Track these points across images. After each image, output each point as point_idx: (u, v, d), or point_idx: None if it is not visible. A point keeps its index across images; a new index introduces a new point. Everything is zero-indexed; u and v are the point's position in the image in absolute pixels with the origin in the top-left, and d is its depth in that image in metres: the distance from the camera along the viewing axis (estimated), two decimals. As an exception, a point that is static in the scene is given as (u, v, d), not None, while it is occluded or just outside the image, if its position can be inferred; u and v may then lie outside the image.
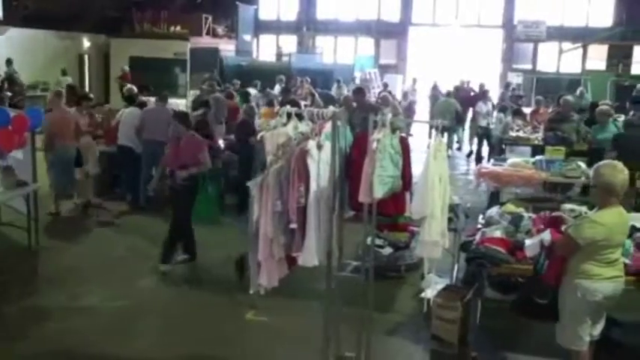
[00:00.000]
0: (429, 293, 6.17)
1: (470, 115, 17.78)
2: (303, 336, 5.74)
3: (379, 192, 4.22)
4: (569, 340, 4.82)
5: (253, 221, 4.41)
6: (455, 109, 16.75)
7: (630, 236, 5.74)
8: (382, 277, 7.19)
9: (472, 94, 18.28)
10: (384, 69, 27.61)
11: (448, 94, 17.86)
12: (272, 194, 4.30)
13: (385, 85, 21.48)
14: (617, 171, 4.58)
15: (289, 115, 4.57)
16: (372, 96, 22.63)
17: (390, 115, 4.42)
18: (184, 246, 7.74)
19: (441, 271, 7.04)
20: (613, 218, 4.57)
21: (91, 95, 13.22)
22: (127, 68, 21.78)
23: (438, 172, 4.17)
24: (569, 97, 11.92)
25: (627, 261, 5.31)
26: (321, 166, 4.32)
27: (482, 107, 16.20)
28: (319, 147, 4.31)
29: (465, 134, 18.08)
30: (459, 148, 18.05)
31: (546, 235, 5.14)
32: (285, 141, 4.47)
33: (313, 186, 4.31)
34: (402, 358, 5.74)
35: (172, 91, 21.34)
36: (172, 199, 7.69)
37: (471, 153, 16.82)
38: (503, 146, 13.90)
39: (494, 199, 9.48)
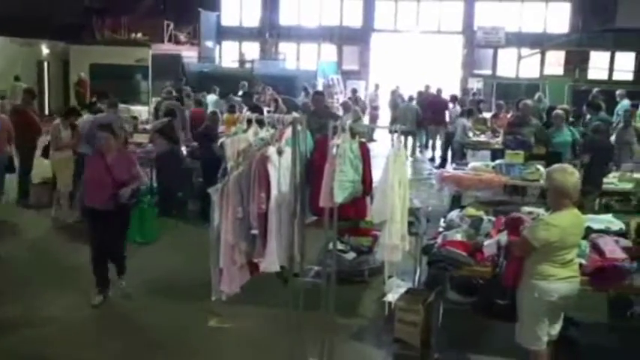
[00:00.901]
0: (392, 297, 6.22)
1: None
2: (266, 342, 5.74)
3: (339, 197, 4.25)
4: (528, 340, 4.90)
5: (214, 228, 4.39)
6: (416, 113, 17.03)
7: (586, 237, 5.88)
8: (346, 281, 7.22)
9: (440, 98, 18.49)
10: (346, 75, 27.72)
11: (410, 99, 18.10)
12: (233, 200, 4.30)
13: (354, 91, 21.60)
14: (568, 174, 4.70)
15: (250, 121, 4.57)
16: (336, 102, 22.82)
17: (349, 121, 4.45)
18: (119, 268, 7.01)
19: (404, 275, 7.11)
20: (567, 220, 4.67)
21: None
22: (83, 75, 21.49)
23: (397, 176, 4.22)
24: (528, 102, 12.17)
25: (583, 261, 5.42)
26: (281, 171, 4.34)
27: (455, 111, 16.45)
28: (280, 153, 4.32)
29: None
30: (421, 151, 18.26)
31: (503, 237, 5.23)
32: (246, 147, 4.48)
33: (274, 192, 4.32)
34: (362, 360, 5.75)
35: (134, 98, 21.17)
36: (103, 221, 6.55)
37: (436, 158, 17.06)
38: (465, 151, 14.11)
39: (455, 202, 9.61)
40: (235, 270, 4.46)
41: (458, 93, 20.99)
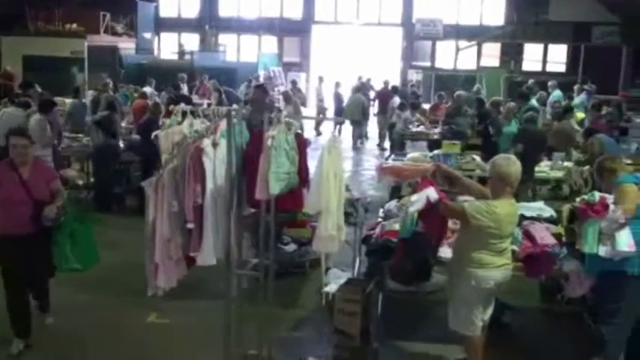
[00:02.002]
0: (331, 288, 6.26)
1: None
2: (205, 336, 5.69)
3: (275, 188, 4.24)
4: (463, 325, 5.02)
5: (149, 222, 4.34)
6: (362, 104, 17.31)
7: (519, 224, 6.04)
8: (286, 273, 7.26)
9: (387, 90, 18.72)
10: (287, 67, 27.64)
11: (357, 90, 18.35)
12: (167, 194, 4.25)
13: (294, 83, 21.57)
14: (511, 163, 4.84)
15: (184, 114, 4.52)
16: (277, 94, 22.75)
17: (285, 112, 4.45)
18: (43, 303, 6.06)
19: (344, 265, 7.16)
20: (505, 208, 4.80)
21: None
22: (9, 68, 20.80)
23: (332, 167, 4.24)
24: (462, 92, 12.44)
25: (516, 248, 5.58)
26: (217, 164, 4.31)
27: (397, 103, 16.64)
28: (215, 145, 4.29)
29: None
30: (362, 142, 18.45)
31: (432, 193, 4.99)
32: (181, 140, 4.43)
33: (210, 185, 4.29)
34: (306, 353, 5.77)
35: (70, 91, 20.62)
36: (23, 250, 5.43)
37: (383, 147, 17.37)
38: (404, 141, 14.31)
39: (395, 193, 9.72)
40: (171, 265, 4.41)
41: (398, 84, 21.29)
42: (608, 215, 4.88)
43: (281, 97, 15.98)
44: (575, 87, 18.33)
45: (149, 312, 6.31)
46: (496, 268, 4.86)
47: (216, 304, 5.55)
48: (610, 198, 5.02)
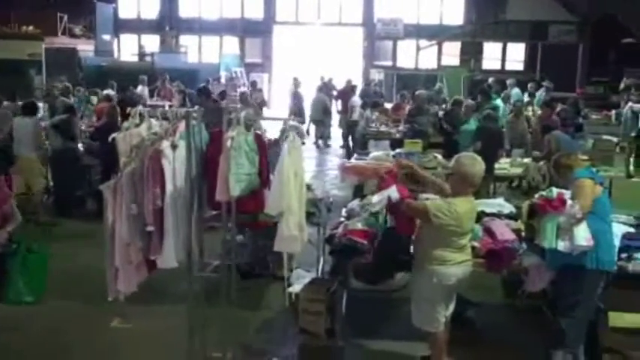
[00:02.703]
0: (296, 288, 6.26)
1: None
2: (169, 339, 5.62)
3: (236, 190, 4.22)
4: (427, 322, 5.07)
5: (108, 226, 4.28)
6: (325, 104, 17.40)
7: (479, 221, 6.12)
8: (251, 274, 7.24)
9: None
10: (250, 67, 27.51)
11: (320, 89, 18.39)
12: (126, 197, 4.19)
13: (254, 84, 21.46)
14: (476, 162, 4.90)
15: (142, 116, 4.47)
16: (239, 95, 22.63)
17: (244, 113, 4.43)
18: None
19: (308, 265, 7.17)
20: (465, 206, 4.85)
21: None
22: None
23: (293, 167, 4.24)
24: (422, 92, 12.54)
25: (477, 244, 5.65)
26: (176, 166, 4.27)
27: (356, 101, 16.71)
28: (174, 147, 4.25)
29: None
30: (327, 144, 18.47)
31: (393, 192, 5.04)
32: (139, 142, 4.38)
33: (169, 187, 4.25)
34: (271, 354, 5.75)
35: (28, 94, 20.20)
36: None
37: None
38: (367, 140, 14.37)
39: (358, 192, 9.75)
40: (132, 269, 4.36)
41: (356, 83, 21.37)
42: (566, 210, 4.95)
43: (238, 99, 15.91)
44: (529, 85, 18.65)
45: (112, 317, 6.21)
46: (457, 264, 4.91)
47: (179, 307, 5.51)
48: (567, 194, 5.11)
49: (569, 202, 4.99)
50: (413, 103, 13.37)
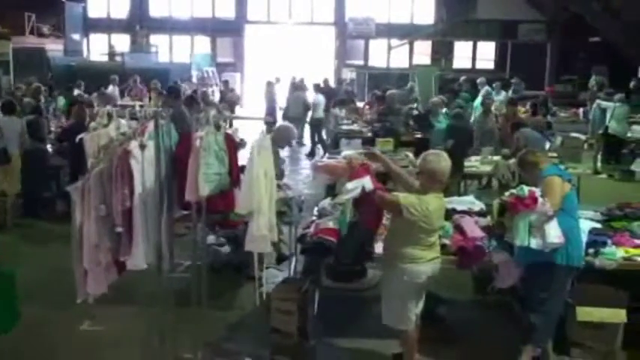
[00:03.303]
0: (267, 287, 6.25)
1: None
2: (140, 341, 5.58)
3: (205, 189, 4.21)
4: (397, 320, 5.09)
5: (76, 227, 4.23)
6: (304, 102, 17.43)
7: (449, 218, 6.18)
8: (222, 274, 7.21)
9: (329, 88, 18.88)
10: (222, 67, 27.41)
11: (298, 88, 18.41)
12: (94, 198, 4.15)
13: (226, 83, 21.36)
14: (442, 160, 4.94)
15: (110, 116, 4.43)
16: (211, 95, 22.54)
17: (213, 112, 4.41)
18: None
19: (281, 265, 7.17)
20: (435, 203, 4.89)
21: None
22: None
23: (263, 166, 4.23)
24: (393, 91, 12.61)
25: (447, 241, 5.72)
26: (145, 166, 4.23)
27: (319, 100, 16.73)
28: (142, 147, 4.21)
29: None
30: (301, 143, 18.45)
31: (367, 183, 5.11)
32: (107, 142, 4.34)
33: (138, 187, 4.21)
34: (243, 354, 5.73)
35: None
36: None
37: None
38: (339, 139, 14.41)
39: (330, 191, 9.77)
40: (100, 270, 4.31)
41: (332, 84, 21.48)
42: (538, 208, 5.01)
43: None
44: (495, 84, 18.86)
45: (82, 320, 6.14)
46: (427, 262, 4.95)
47: (150, 309, 5.48)
48: (539, 191, 5.17)
49: (540, 199, 5.05)
50: (384, 103, 13.44)
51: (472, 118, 13.13)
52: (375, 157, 5.63)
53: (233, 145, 4.65)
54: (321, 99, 16.88)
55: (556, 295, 5.21)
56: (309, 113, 16.96)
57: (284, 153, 16.90)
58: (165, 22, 28.57)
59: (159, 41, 28.94)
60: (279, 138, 7.49)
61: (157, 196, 4.33)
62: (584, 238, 5.60)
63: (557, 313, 5.32)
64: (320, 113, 16.53)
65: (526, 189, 5.23)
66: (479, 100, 14.78)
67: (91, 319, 6.12)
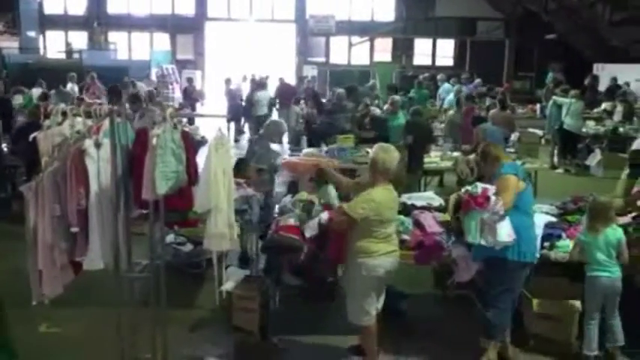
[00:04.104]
0: (229, 285, 6.22)
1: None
2: (97, 343, 5.51)
3: (162, 188, 4.17)
4: (358, 316, 5.13)
5: (30, 228, 4.15)
6: (269, 99, 17.42)
7: (409, 214, 6.24)
8: (183, 273, 7.15)
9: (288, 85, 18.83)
10: (181, 64, 27.13)
11: (263, 86, 18.35)
12: (49, 198, 4.07)
13: (189, 80, 21.16)
14: (386, 152, 5.03)
15: (64, 114, 4.35)
16: (171, 92, 22.31)
17: (170, 110, 4.37)
18: None
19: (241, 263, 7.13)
20: (382, 195, 4.96)
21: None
22: None
23: (221, 165, 4.21)
24: (341, 90, 12.65)
25: (407, 237, 5.77)
26: (101, 165, 4.17)
27: (262, 96, 16.86)
28: (98, 146, 4.15)
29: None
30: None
31: (324, 215, 5.47)
32: (61, 141, 4.26)
33: (94, 186, 4.15)
34: (203, 353, 5.69)
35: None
36: None
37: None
38: (300, 137, 14.39)
39: (292, 188, 9.76)
40: (56, 271, 4.23)
41: (294, 81, 21.46)
42: (490, 207, 5.09)
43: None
44: (451, 80, 19.13)
45: (40, 322, 6.03)
46: (384, 255, 5.00)
47: (108, 309, 5.40)
48: (492, 189, 5.23)
49: (492, 198, 5.12)
50: (332, 100, 13.47)
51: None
52: (323, 174, 5.71)
53: (190, 142, 4.61)
54: (262, 95, 16.92)
55: (510, 290, 5.28)
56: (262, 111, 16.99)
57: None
58: (124, 19, 28.18)
59: (117, 38, 28.54)
60: (270, 133, 7.58)
61: (113, 195, 4.27)
62: (540, 231, 5.71)
63: (511, 308, 5.37)
64: (264, 110, 16.65)
65: (480, 187, 5.29)
66: (451, 95, 14.90)
67: (49, 322, 6.00)
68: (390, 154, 5.02)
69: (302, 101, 16.79)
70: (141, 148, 4.38)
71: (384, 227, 4.98)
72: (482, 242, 5.11)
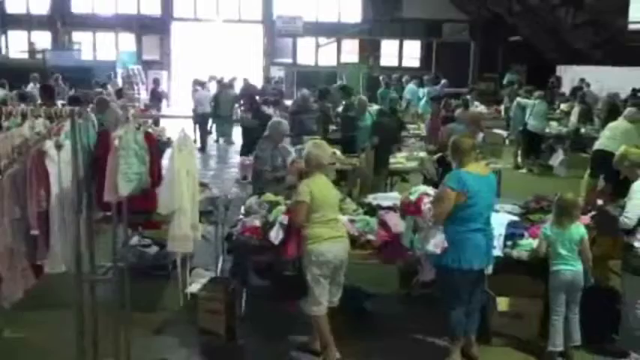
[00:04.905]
0: (195, 287, 6.19)
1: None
2: (63, 347, 5.40)
3: (125, 190, 4.13)
4: (310, 305, 5.24)
5: (-11, 231, 4.07)
6: (233, 101, 17.56)
7: (375, 214, 6.28)
8: (149, 276, 7.07)
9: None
10: (148, 65, 26.87)
11: (225, 86, 18.33)
12: (8, 201, 4.00)
13: (156, 82, 21.00)
14: (315, 147, 5.39)
15: (24, 115, 4.28)
16: (137, 93, 22.09)
17: (132, 110, 4.33)
18: None
19: (208, 265, 7.09)
20: (316, 183, 5.24)
21: None
22: None
23: (184, 165, 4.19)
24: (306, 91, 12.69)
25: (372, 237, 5.83)
26: (62, 166, 4.11)
27: (203, 95, 17.27)
28: (59, 147, 4.09)
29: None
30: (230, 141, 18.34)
31: (281, 218, 5.60)
32: (21, 142, 4.19)
33: (55, 188, 4.09)
34: (168, 355, 5.63)
35: None
36: None
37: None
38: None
39: (258, 189, 9.74)
40: (17, 275, 4.16)
41: (261, 82, 21.45)
42: (424, 215, 5.35)
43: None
44: (413, 81, 19.38)
45: (2, 327, 5.92)
46: (329, 240, 5.18)
47: (71, 313, 5.33)
48: (427, 199, 5.43)
49: (424, 208, 5.34)
50: (297, 101, 13.50)
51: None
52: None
53: (154, 144, 4.58)
54: (203, 95, 17.37)
55: (456, 294, 5.30)
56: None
57: (213, 152, 16.86)
58: (89, 19, 27.77)
59: (82, 38, 28.13)
60: (274, 133, 7.58)
61: (74, 197, 4.21)
62: (503, 230, 5.79)
63: (463, 310, 5.36)
64: (206, 108, 17.06)
65: (417, 194, 5.56)
66: (424, 101, 15.04)
67: (12, 326, 5.90)
68: (322, 150, 5.38)
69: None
70: (103, 149, 4.33)
71: (324, 211, 5.20)
72: (414, 246, 5.41)
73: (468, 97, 15.33)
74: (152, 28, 27.97)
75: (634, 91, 17.30)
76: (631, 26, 19.04)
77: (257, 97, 16.33)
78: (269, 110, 14.88)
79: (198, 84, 18.10)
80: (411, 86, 18.46)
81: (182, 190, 4.15)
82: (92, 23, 27.81)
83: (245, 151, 11.92)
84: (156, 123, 12.98)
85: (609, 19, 20.58)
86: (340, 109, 13.28)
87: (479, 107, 13.89)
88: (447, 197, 5.13)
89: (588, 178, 10.27)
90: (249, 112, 14.61)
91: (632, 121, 10.35)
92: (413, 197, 5.52)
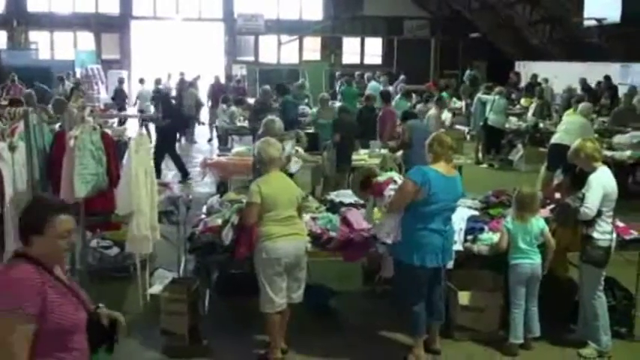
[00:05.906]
0: (156, 288, 6.11)
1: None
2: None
3: (82, 191, 4.06)
4: (263, 303, 5.22)
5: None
6: (197, 99, 17.67)
7: (337, 211, 6.28)
8: (110, 278, 6.96)
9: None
10: (107, 64, 26.47)
11: (191, 84, 18.18)
12: (-40, 204, 3.91)
13: (120, 81, 20.70)
14: (266, 145, 5.36)
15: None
16: (96, 92, 21.77)
17: (88, 110, 4.26)
18: None
19: (171, 265, 7.01)
20: (271, 181, 5.22)
21: None
22: None
23: (142, 166, 4.13)
24: (267, 87, 12.67)
25: (334, 234, 5.81)
26: (16, 168, 4.03)
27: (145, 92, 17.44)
28: (12, 149, 4.01)
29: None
30: (193, 141, 18.19)
31: (234, 218, 5.55)
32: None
33: (9, 190, 4.00)
34: (130, 358, 5.55)
35: None
36: None
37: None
38: (228, 136, 14.31)
39: (221, 188, 9.69)
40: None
41: (223, 80, 21.33)
42: (383, 198, 5.41)
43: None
44: (365, 76, 19.48)
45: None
46: (283, 237, 5.12)
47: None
48: (391, 187, 5.48)
49: (385, 194, 5.40)
50: (259, 99, 13.45)
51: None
52: None
53: (111, 144, 4.50)
54: (190, 95, 17.36)
55: (412, 290, 5.31)
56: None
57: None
58: (45, 18, 27.23)
59: (39, 38, 27.59)
60: (267, 131, 7.46)
61: (30, 199, 4.12)
62: (463, 225, 5.85)
63: (423, 305, 5.35)
64: (192, 110, 17.15)
65: (386, 177, 5.65)
66: (398, 96, 15.06)
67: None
68: (272, 146, 5.35)
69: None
70: (59, 150, 4.25)
71: (278, 209, 5.15)
72: (372, 225, 5.52)
73: (444, 94, 15.42)
74: (111, 27, 27.58)
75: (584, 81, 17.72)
76: (586, 22, 19.40)
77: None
78: (231, 108, 14.84)
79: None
80: (372, 83, 18.53)
81: (140, 191, 4.08)
82: (49, 22, 27.30)
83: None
84: (122, 123, 12.77)
85: (565, 16, 20.97)
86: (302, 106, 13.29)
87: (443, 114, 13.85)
88: (406, 190, 5.17)
89: (545, 172, 10.47)
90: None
91: (587, 116, 10.60)
92: (381, 178, 5.55)
